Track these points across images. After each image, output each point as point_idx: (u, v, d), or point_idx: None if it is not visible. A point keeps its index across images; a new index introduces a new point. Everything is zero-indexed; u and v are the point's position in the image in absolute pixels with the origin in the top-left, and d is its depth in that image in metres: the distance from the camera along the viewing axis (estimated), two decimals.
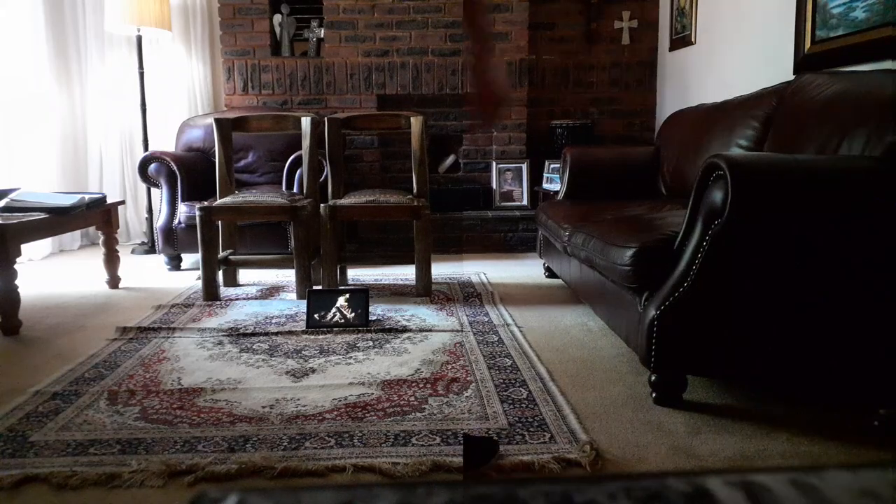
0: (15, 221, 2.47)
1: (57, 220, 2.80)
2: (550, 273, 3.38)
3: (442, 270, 3.48)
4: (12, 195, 2.72)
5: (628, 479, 0.35)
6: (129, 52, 4.43)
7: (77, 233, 4.51)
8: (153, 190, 4.07)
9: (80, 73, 4.49)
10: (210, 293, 2.92)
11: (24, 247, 3.74)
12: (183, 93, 4.54)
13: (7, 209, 2.64)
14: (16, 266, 2.44)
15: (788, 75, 2.53)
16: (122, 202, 3.45)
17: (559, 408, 1.71)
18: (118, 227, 3.38)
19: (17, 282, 2.44)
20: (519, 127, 4.40)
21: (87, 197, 2.97)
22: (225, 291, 3.08)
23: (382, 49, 4.29)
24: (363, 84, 4.32)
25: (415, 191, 3.14)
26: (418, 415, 1.68)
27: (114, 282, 3.23)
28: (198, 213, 2.89)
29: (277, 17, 4.42)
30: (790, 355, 1.70)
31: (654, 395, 1.75)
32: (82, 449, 1.50)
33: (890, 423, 1.55)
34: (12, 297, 2.44)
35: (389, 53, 4.29)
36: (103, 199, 3.11)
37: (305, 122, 3.11)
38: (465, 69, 4.31)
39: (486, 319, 2.59)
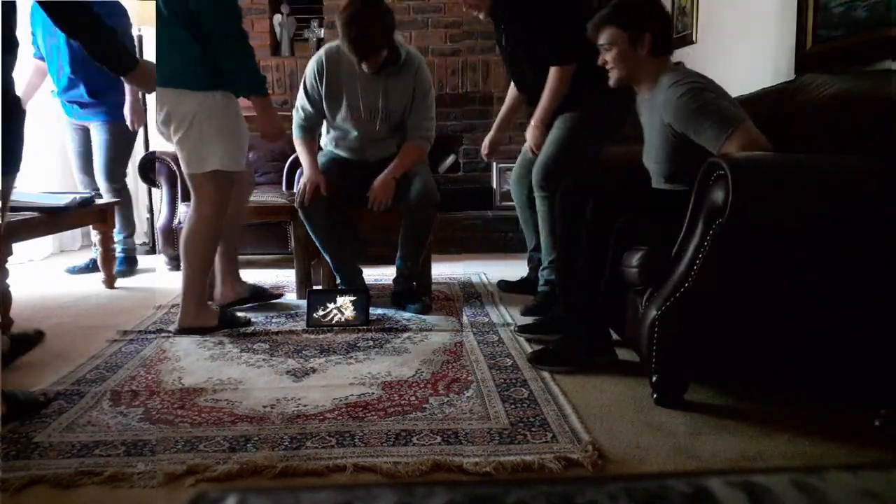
0: (5, 221, 2.47)
1: (50, 220, 2.81)
2: None
3: (442, 270, 3.48)
4: None
5: (630, 480, 0.35)
6: None
7: (77, 233, 4.51)
8: (154, 190, 4.07)
9: None
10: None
11: (25, 247, 3.75)
12: None
13: None
14: (8, 265, 2.44)
15: (790, 75, 2.52)
16: (119, 202, 3.45)
17: (560, 407, 1.71)
18: (114, 227, 3.38)
19: (8, 280, 2.44)
20: (519, 126, 4.39)
21: (78, 197, 3.00)
22: None
23: None
24: None
25: None
26: (419, 414, 1.68)
27: (109, 281, 3.23)
28: None
29: (277, 17, 4.42)
30: (791, 356, 1.70)
31: (655, 395, 1.75)
32: (87, 450, 1.50)
33: (890, 424, 1.55)
34: (4, 296, 2.44)
35: None
36: (91, 198, 3.14)
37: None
38: (464, 69, 4.31)
39: (487, 319, 2.59)
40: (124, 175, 3.62)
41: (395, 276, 2.81)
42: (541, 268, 2.76)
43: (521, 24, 2.61)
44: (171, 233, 3.64)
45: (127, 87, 3.32)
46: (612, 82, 2.06)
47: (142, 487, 1.35)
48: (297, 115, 2.79)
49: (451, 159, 4.55)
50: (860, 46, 2.26)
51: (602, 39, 2.02)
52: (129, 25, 3.41)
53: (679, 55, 4.05)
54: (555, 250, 2.53)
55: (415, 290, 2.78)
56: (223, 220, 2.41)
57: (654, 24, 1.98)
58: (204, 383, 1.92)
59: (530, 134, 2.75)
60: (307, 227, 2.67)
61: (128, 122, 3.44)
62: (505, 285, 3.10)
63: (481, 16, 2.71)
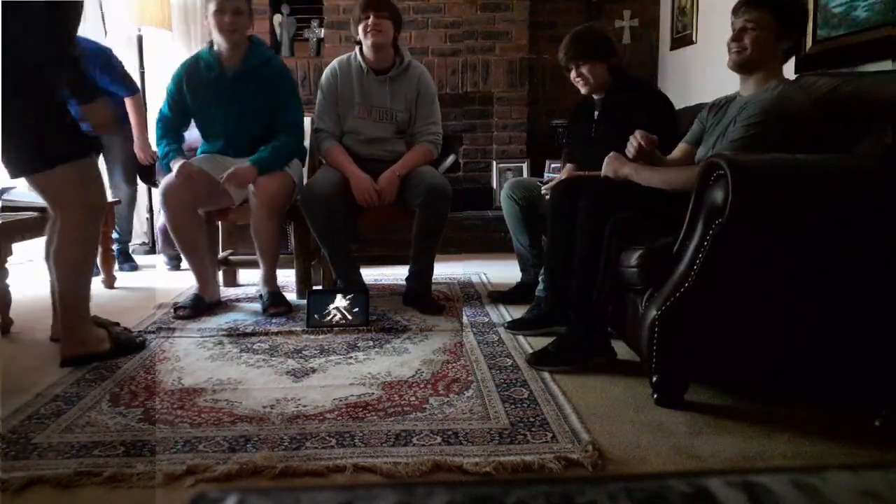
0: (5, 221, 2.48)
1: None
2: None
3: (442, 270, 3.48)
4: (6, 195, 2.72)
5: (630, 480, 0.35)
6: (130, 51, 4.42)
7: None
8: (153, 190, 4.07)
9: None
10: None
11: (25, 247, 3.74)
12: None
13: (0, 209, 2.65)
14: (8, 265, 2.44)
15: (790, 75, 2.52)
16: (118, 202, 3.45)
17: (560, 407, 1.71)
18: (114, 227, 3.38)
19: (8, 280, 2.45)
20: (519, 126, 4.40)
21: None
22: (225, 291, 3.08)
23: None
24: None
25: None
26: (419, 415, 1.68)
27: (109, 281, 3.23)
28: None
29: (278, 18, 4.42)
30: (791, 356, 1.70)
31: (655, 395, 1.75)
32: (87, 451, 1.50)
33: (891, 424, 1.55)
34: (3, 296, 2.44)
35: None
36: None
37: (305, 122, 3.10)
38: (464, 69, 4.31)
39: (487, 319, 2.59)
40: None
41: (407, 274, 2.85)
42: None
43: (629, 114, 2.45)
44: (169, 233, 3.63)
45: (133, 125, 3.47)
46: (731, 63, 1.95)
47: (141, 488, 1.35)
48: (319, 126, 2.91)
49: (450, 159, 4.53)
50: (860, 46, 2.26)
51: (747, 16, 1.89)
52: (119, 65, 3.43)
53: (679, 55, 4.06)
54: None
55: (424, 292, 2.79)
56: None
57: (801, 27, 1.97)
58: (204, 383, 1.92)
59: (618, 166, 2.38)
60: (310, 223, 2.69)
61: (140, 158, 3.52)
62: (498, 296, 2.94)
63: (593, 94, 2.70)
